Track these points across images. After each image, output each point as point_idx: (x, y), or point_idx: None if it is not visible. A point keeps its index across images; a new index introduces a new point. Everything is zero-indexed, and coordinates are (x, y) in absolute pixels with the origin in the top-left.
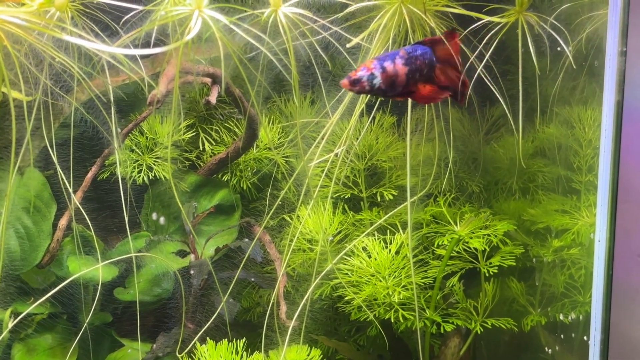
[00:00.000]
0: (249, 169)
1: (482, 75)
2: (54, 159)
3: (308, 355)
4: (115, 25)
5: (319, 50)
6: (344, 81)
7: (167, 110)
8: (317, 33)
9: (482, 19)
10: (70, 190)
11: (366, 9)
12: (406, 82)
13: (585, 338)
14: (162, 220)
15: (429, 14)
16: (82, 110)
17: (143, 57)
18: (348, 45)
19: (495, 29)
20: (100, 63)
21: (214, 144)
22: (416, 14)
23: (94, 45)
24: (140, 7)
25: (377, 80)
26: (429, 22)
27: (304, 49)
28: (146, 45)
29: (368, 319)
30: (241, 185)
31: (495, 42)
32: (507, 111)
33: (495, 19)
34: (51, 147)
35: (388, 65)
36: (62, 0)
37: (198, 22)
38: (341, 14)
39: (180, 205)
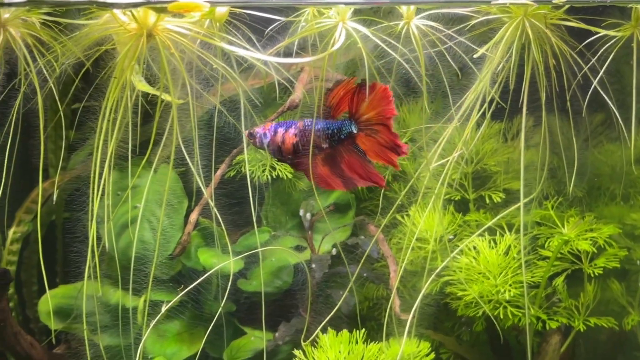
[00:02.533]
0: None
1: (597, 88)
2: (187, 156)
3: (417, 347)
4: (251, 34)
5: (449, 59)
6: (246, 131)
7: (293, 114)
8: (444, 43)
9: (599, 33)
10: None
11: (487, 21)
12: (294, 153)
13: None
14: (308, 216)
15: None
16: (225, 112)
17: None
18: (475, 55)
19: (610, 43)
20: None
21: None
22: (536, 27)
23: (248, 53)
24: (282, 19)
25: (266, 141)
26: (549, 35)
27: (429, 59)
28: (287, 53)
29: (472, 315)
30: None
31: (611, 56)
32: (618, 120)
33: (612, 32)
34: (186, 145)
35: (280, 131)
36: (223, 12)
37: (342, 34)
38: (467, 24)
39: (320, 206)
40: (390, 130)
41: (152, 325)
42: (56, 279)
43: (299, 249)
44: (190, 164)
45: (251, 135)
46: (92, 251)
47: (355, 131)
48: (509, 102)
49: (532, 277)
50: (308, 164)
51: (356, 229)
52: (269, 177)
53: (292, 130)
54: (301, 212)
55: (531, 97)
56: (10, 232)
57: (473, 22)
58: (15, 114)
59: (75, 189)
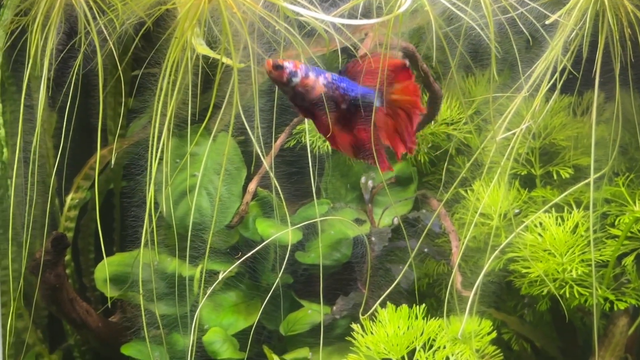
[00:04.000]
0: (425, 142)
1: None
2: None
3: (479, 325)
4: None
5: (520, 25)
6: (269, 60)
7: None
8: (514, 9)
9: None
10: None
11: None
12: (316, 102)
13: None
14: (370, 183)
15: None
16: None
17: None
18: (548, 22)
19: None
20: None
21: None
22: None
23: (311, 13)
24: None
25: (296, 80)
26: (625, 3)
27: (498, 26)
28: (351, 17)
29: (536, 294)
30: (418, 159)
31: None
32: None
33: None
34: (246, 112)
35: (311, 75)
36: None
37: None
38: None
39: (382, 179)
40: (412, 122)
41: (208, 294)
42: (113, 247)
43: (358, 222)
44: (249, 132)
45: (277, 67)
46: (150, 217)
47: (377, 105)
48: (581, 74)
49: (600, 255)
50: (327, 121)
51: (418, 203)
52: (329, 148)
53: (321, 79)
54: (363, 179)
55: (604, 69)
56: (68, 199)
57: None
58: (74, 75)
59: (135, 153)
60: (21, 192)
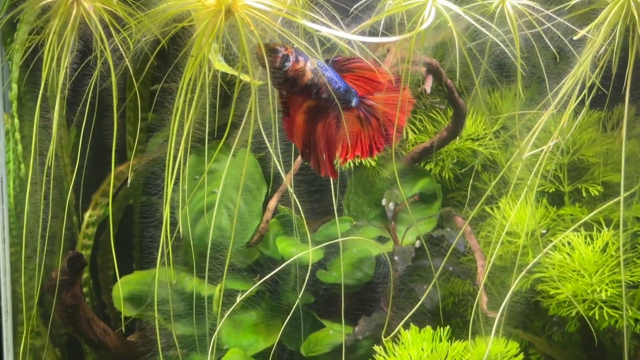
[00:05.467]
0: (449, 158)
1: None
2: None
3: (505, 347)
4: (335, 13)
5: (547, 41)
6: (262, 44)
7: None
8: (541, 24)
9: None
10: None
11: (588, 1)
12: (304, 89)
13: None
14: (391, 205)
15: None
16: None
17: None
18: (575, 37)
19: None
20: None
21: (417, 132)
22: None
23: (332, 31)
24: None
25: (288, 65)
26: None
27: (524, 41)
28: (373, 34)
29: (565, 315)
30: (442, 175)
31: None
32: None
33: None
34: (266, 129)
35: (301, 59)
36: None
37: (432, 12)
38: (566, 4)
39: (404, 197)
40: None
41: (226, 315)
42: (132, 264)
43: (381, 240)
44: (270, 148)
45: (273, 52)
46: (166, 237)
47: (352, 104)
48: (610, 89)
49: (631, 276)
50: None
51: (442, 221)
52: (352, 164)
53: (309, 65)
54: (383, 202)
55: (634, 84)
56: (86, 215)
57: (573, 2)
58: (90, 93)
59: (151, 172)
60: (39, 210)
